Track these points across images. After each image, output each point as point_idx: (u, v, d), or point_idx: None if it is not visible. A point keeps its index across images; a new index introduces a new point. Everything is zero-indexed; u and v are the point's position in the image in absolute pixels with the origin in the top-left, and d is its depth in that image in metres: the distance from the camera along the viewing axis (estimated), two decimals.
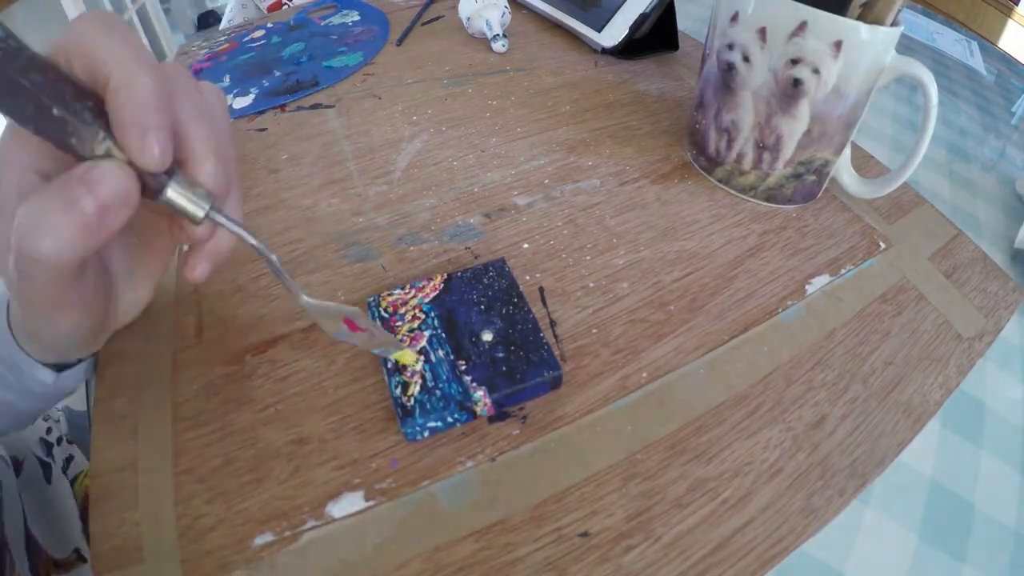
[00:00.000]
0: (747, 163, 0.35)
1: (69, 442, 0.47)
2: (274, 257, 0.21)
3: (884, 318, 0.30)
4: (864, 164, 0.41)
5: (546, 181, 0.37)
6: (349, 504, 0.23)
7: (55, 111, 0.16)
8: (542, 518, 0.22)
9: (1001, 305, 0.32)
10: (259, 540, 0.22)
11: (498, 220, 0.34)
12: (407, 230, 0.34)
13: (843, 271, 0.33)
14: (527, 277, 0.31)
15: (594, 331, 0.29)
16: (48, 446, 0.45)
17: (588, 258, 0.32)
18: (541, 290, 0.30)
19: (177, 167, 0.18)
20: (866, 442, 0.25)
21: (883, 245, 0.34)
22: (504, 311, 0.27)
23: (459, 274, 0.29)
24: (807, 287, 0.31)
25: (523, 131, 0.41)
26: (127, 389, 0.27)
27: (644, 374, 0.27)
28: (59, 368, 0.26)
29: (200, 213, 0.19)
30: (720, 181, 0.37)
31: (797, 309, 0.30)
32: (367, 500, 0.23)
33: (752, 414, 0.26)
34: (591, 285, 0.31)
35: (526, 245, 0.33)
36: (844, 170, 0.35)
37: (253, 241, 0.20)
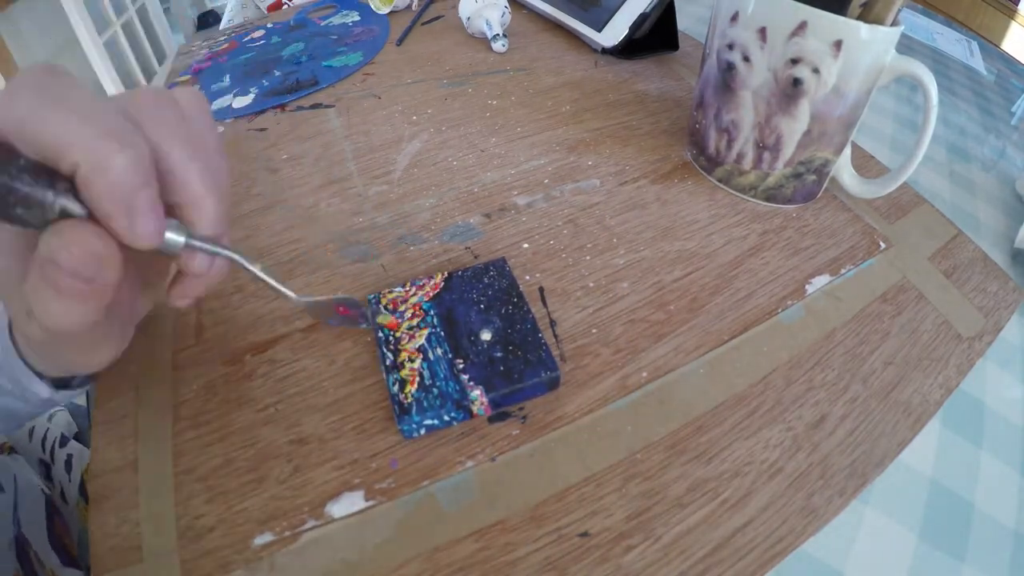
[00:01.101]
0: (747, 163, 0.35)
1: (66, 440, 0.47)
2: (257, 268, 0.21)
3: (884, 318, 0.30)
4: (864, 164, 0.41)
5: (546, 181, 0.37)
6: (349, 504, 0.23)
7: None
8: (542, 518, 0.22)
9: (1001, 305, 0.32)
10: (259, 540, 0.22)
11: (498, 220, 0.34)
12: (407, 230, 0.34)
13: (843, 271, 0.32)
14: (527, 277, 0.31)
15: (594, 331, 0.29)
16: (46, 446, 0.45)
17: (588, 258, 0.32)
18: (541, 290, 0.30)
19: None
20: (866, 442, 0.25)
21: (883, 245, 0.34)
22: (504, 311, 0.27)
23: (460, 273, 0.29)
24: (807, 287, 0.31)
25: (523, 131, 0.41)
26: (127, 389, 0.27)
27: (644, 374, 0.27)
28: (59, 385, 0.26)
29: (179, 245, 0.18)
30: (720, 181, 0.37)
31: (797, 309, 0.30)
32: (367, 500, 0.23)
33: (752, 414, 0.26)
34: (591, 285, 0.31)
35: (526, 245, 0.33)
36: (844, 170, 0.35)
37: (235, 256, 0.20)
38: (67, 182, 0.15)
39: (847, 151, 0.34)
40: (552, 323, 0.29)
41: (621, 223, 0.34)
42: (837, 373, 0.28)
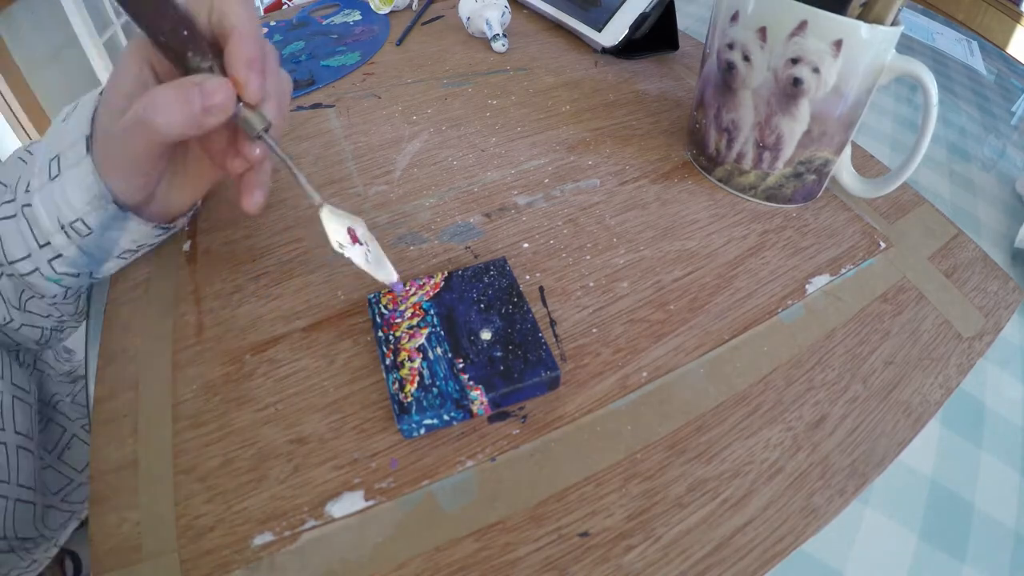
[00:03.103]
0: (747, 162, 0.35)
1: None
2: (298, 172, 0.26)
3: (884, 318, 0.30)
4: (864, 164, 0.41)
5: (546, 181, 0.37)
6: (349, 504, 0.23)
7: (185, 33, 0.23)
8: (542, 518, 0.22)
9: (1001, 305, 0.32)
10: (259, 540, 0.22)
11: (498, 220, 0.34)
12: (407, 230, 0.34)
13: (843, 271, 0.32)
14: (527, 276, 0.31)
15: (594, 330, 0.29)
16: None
17: (588, 257, 0.32)
18: (541, 289, 0.30)
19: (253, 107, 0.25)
20: (866, 442, 0.25)
21: (883, 245, 0.34)
22: (504, 310, 0.27)
23: (460, 272, 0.29)
24: (807, 287, 0.31)
25: (523, 131, 0.41)
26: (127, 389, 0.27)
27: (644, 374, 0.27)
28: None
29: (258, 127, 0.25)
30: (720, 180, 0.37)
31: (797, 309, 0.30)
32: (367, 500, 0.23)
33: (752, 414, 0.26)
34: (591, 284, 0.31)
35: (526, 245, 0.33)
36: (844, 169, 0.35)
37: (282, 155, 0.26)
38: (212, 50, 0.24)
39: (847, 151, 0.34)
40: (552, 323, 0.29)
41: (621, 223, 0.34)
42: (837, 373, 0.28)
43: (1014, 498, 0.28)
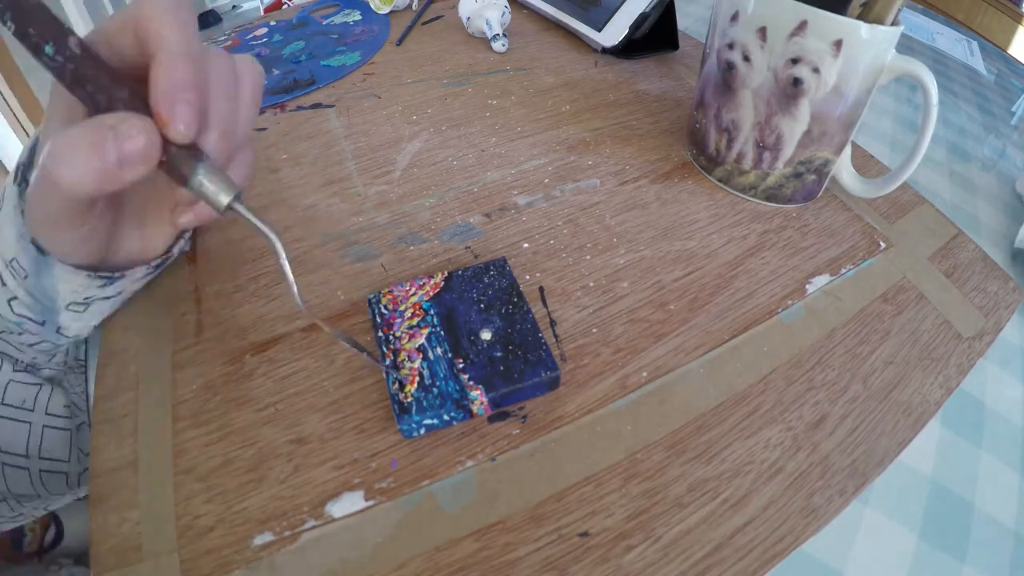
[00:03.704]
0: (747, 162, 0.35)
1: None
2: (282, 254, 0.22)
3: (884, 318, 0.30)
4: (864, 164, 0.41)
5: (546, 180, 0.37)
6: (349, 504, 0.23)
7: (89, 89, 0.19)
8: (542, 518, 0.22)
9: (1001, 305, 0.32)
10: (259, 540, 0.22)
11: (498, 220, 0.34)
12: (407, 230, 0.34)
13: (843, 271, 0.32)
14: (527, 277, 0.31)
15: (594, 331, 0.29)
16: None
17: (588, 257, 0.32)
18: (541, 289, 0.30)
19: (205, 156, 0.20)
20: (866, 442, 0.25)
21: (883, 245, 0.34)
22: (504, 310, 0.27)
23: (460, 272, 0.29)
24: (807, 287, 0.31)
25: (523, 131, 0.41)
26: (127, 389, 0.26)
27: (644, 374, 0.27)
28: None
29: (224, 202, 0.21)
30: (720, 180, 0.37)
31: (797, 309, 0.30)
32: (367, 500, 0.23)
33: (752, 414, 0.26)
34: (591, 284, 0.31)
35: (526, 245, 0.33)
36: (844, 170, 0.35)
37: (267, 231, 0.22)
38: (130, 88, 0.19)
39: (847, 151, 0.34)
40: (552, 323, 0.29)
41: (621, 223, 0.34)
42: (837, 373, 0.28)
43: (1014, 498, 0.28)
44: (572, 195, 0.36)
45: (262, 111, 0.45)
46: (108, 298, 0.27)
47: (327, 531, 0.22)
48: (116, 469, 0.24)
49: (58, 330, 0.26)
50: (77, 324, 0.27)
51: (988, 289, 0.33)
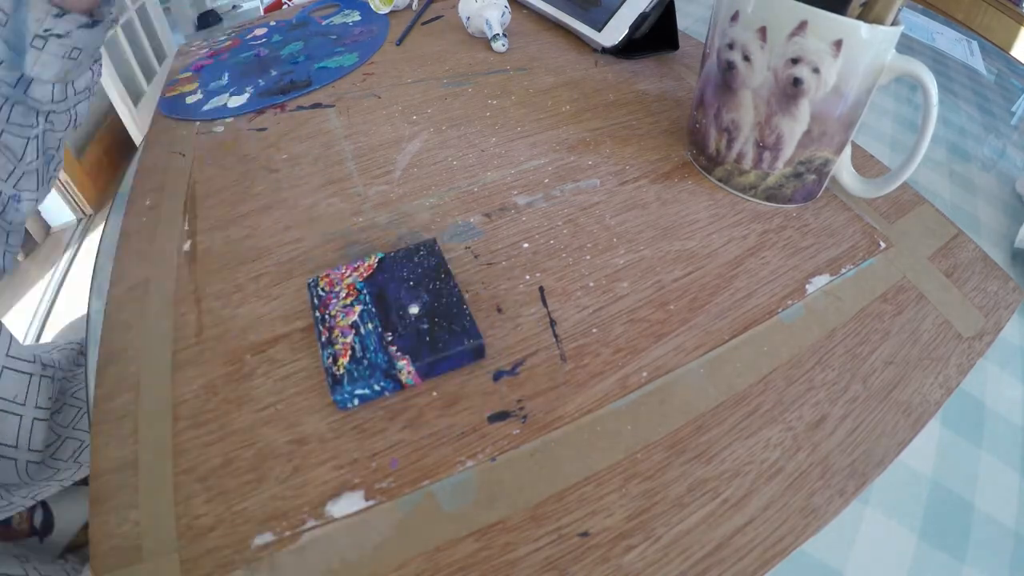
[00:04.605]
0: (747, 162, 0.35)
1: None
2: None
3: (884, 318, 0.30)
4: (864, 164, 0.41)
5: (546, 180, 0.37)
6: (349, 504, 0.23)
7: None
8: (542, 518, 0.22)
9: (1001, 305, 0.32)
10: (259, 540, 0.22)
11: (498, 219, 0.34)
12: (407, 229, 0.34)
13: (843, 270, 0.32)
14: (527, 277, 0.31)
15: (594, 330, 0.29)
16: None
17: (588, 257, 0.32)
18: (541, 289, 0.30)
19: None
20: (866, 442, 0.25)
21: (883, 245, 0.34)
22: (431, 286, 0.28)
23: (392, 254, 0.30)
24: (807, 286, 0.31)
25: (523, 130, 0.41)
26: (127, 389, 0.27)
27: (644, 374, 0.27)
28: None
29: None
30: (720, 180, 0.37)
31: (797, 309, 0.30)
32: (367, 500, 0.23)
33: (752, 414, 0.26)
34: (591, 284, 0.31)
35: (526, 244, 0.33)
36: (844, 169, 0.35)
37: None
38: None
39: (847, 151, 0.34)
40: (552, 323, 0.29)
41: (621, 223, 0.34)
42: (837, 373, 0.28)
43: (1014, 498, 0.28)
44: (572, 195, 0.36)
45: (262, 111, 0.45)
46: (60, 37, 0.31)
47: (327, 531, 0.22)
48: (116, 469, 0.24)
49: (23, 76, 0.30)
50: (38, 67, 0.31)
51: (988, 289, 0.33)
